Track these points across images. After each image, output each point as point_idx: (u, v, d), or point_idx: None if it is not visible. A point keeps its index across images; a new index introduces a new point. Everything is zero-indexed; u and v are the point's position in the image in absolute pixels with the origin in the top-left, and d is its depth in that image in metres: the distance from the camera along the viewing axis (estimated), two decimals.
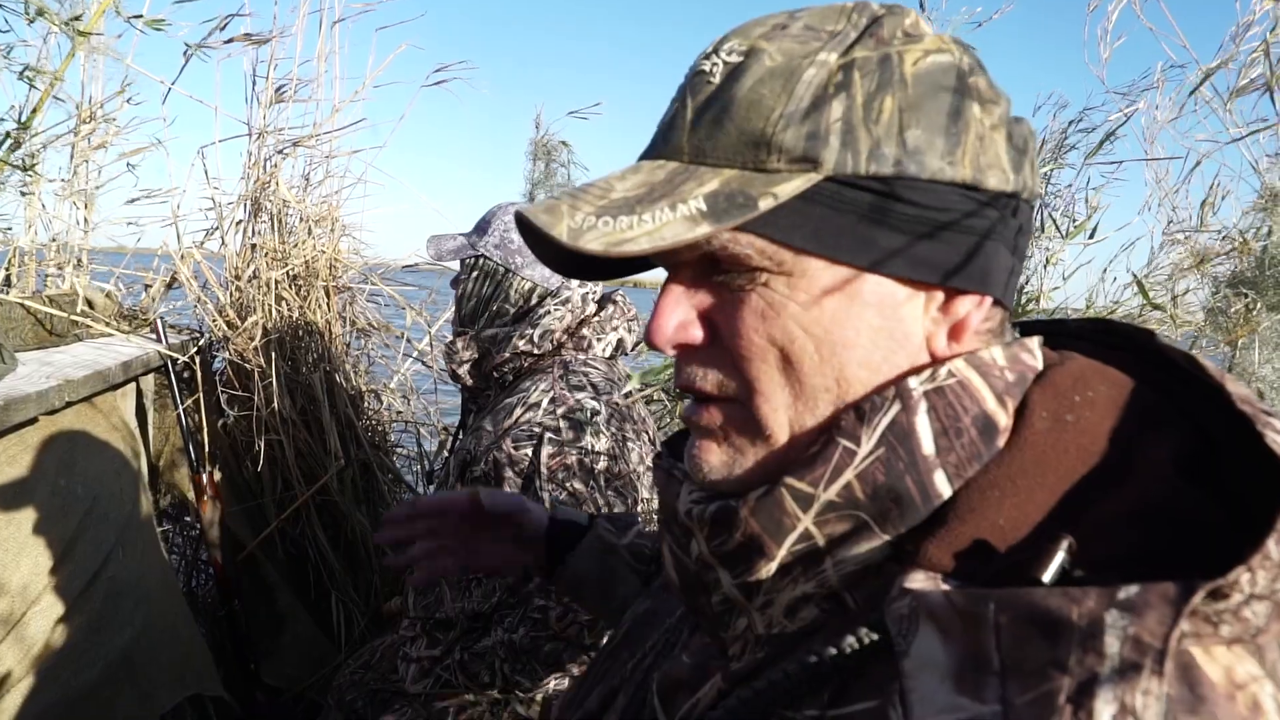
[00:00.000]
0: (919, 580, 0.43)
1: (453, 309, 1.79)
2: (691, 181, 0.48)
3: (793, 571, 0.49)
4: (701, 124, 0.49)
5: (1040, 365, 0.50)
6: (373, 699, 1.65)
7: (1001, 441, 0.47)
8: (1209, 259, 1.44)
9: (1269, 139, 1.34)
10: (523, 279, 1.64)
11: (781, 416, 0.50)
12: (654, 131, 0.54)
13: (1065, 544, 0.40)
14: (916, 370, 0.49)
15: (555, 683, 1.45)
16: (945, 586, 0.42)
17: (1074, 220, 1.53)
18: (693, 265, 0.52)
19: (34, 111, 1.83)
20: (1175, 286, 1.44)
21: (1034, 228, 1.55)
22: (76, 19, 1.77)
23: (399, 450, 2.78)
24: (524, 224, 0.50)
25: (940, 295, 0.50)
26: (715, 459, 0.53)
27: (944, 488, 0.46)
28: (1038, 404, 0.48)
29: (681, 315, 0.52)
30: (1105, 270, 1.51)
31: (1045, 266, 1.50)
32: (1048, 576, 0.40)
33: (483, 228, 1.68)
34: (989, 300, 0.51)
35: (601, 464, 1.46)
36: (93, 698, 1.61)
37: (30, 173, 1.88)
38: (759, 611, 0.51)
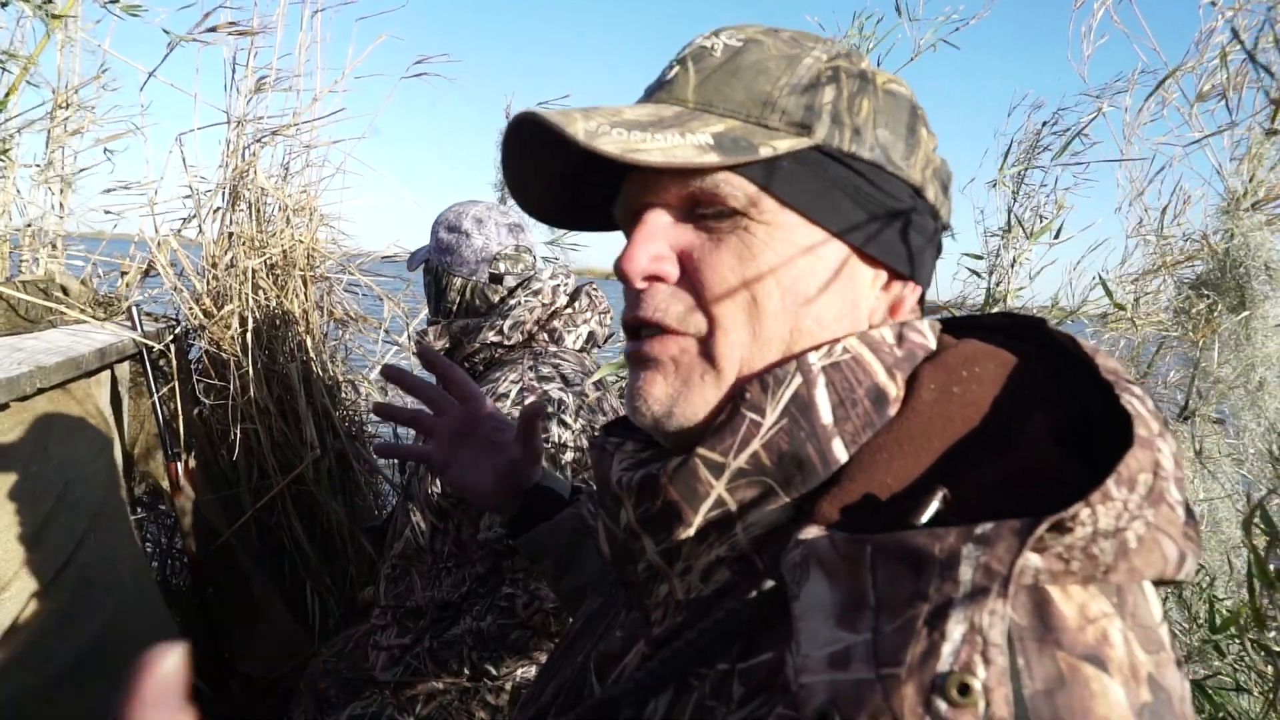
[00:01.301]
0: (811, 532, 0.46)
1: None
2: (697, 121, 0.53)
3: (708, 537, 0.52)
4: (709, 81, 0.55)
5: (933, 345, 0.55)
6: (345, 687, 1.66)
7: (893, 411, 0.51)
8: (1175, 261, 1.46)
9: (1238, 143, 1.36)
10: (452, 275, 1.68)
11: (735, 354, 0.53)
12: (648, 88, 0.59)
13: (940, 495, 0.44)
14: (816, 347, 0.53)
15: (522, 671, 1.47)
16: (833, 536, 0.45)
17: (1041, 219, 1.55)
18: (673, 205, 0.56)
19: (7, 95, 1.82)
20: (1142, 287, 1.47)
21: (1000, 230, 1.57)
22: (50, 2, 1.76)
23: (375, 441, 2.77)
24: (523, 131, 0.53)
25: (885, 275, 0.57)
26: (660, 391, 0.55)
27: (841, 453, 0.50)
28: (927, 378, 0.52)
29: (657, 249, 0.55)
30: (1074, 269, 1.53)
31: (1012, 266, 1.52)
32: (922, 522, 0.43)
33: (433, 230, 1.74)
34: (919, 289, 0.59)
35: (569, 455, 1.48)
36: (65, 683, 1.60)
37: (4, 157, 1.87)
38: (679, 578, 0.54)
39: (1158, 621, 0.44)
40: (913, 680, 0.37)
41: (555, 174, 0.61)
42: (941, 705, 0.36)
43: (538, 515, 0.94)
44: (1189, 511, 0.44)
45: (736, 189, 0.53)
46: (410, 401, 2.83)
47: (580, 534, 0.94)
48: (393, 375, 0.96)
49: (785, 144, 0.53)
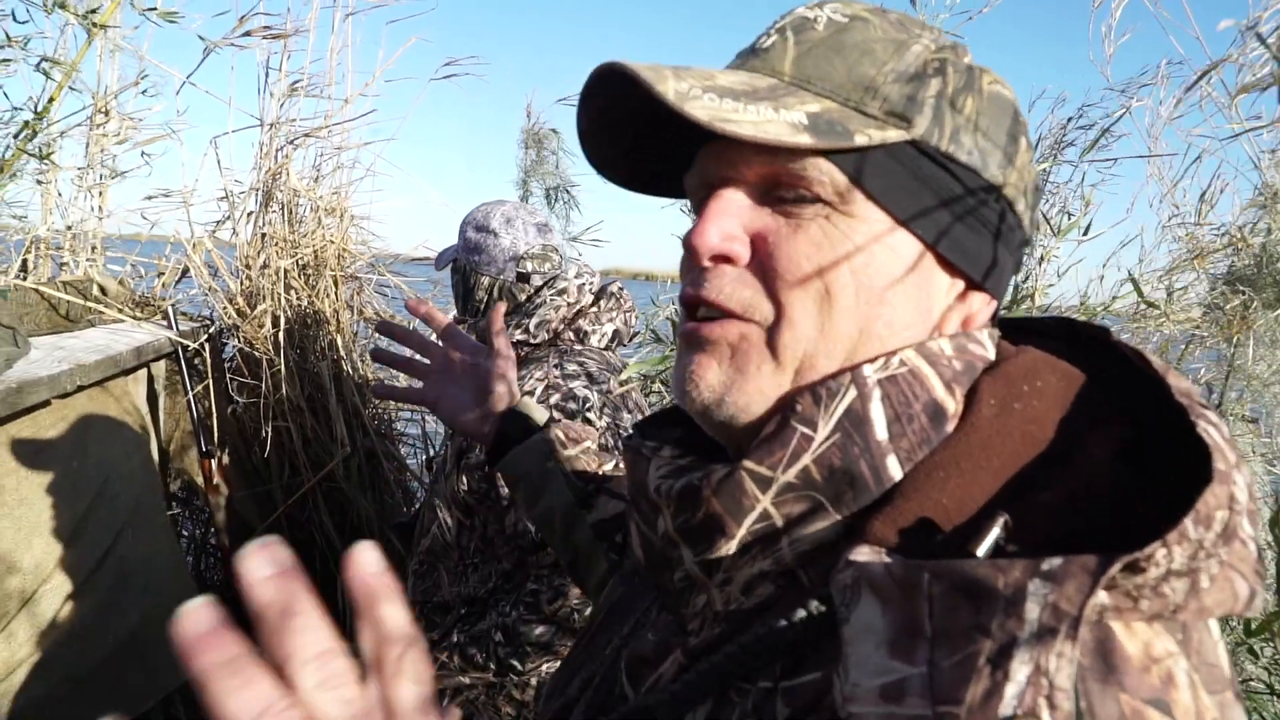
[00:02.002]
0: (864, 554, 0.44)
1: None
2: (793, 98, 0.50)
3: (751, 550, 0.50)
4: (810, 56, 0.51)
5: (992, 356, 0.52)
6: None
7: (950, 427, 0.49)
8: (1206, 255, 1.44)
9: (1272, 135, 1.34)
10: (479, 274, 1.69)
11: (799, 347, 0.50)
12: (740, 53, 0.56)
13: (1001, 521, 0.42)
14: (871, 359, 0.50)
15: (548, 666, 1.48)
16: (887, 559, 0.44)
17: (1069, 216, 1.53)
18: (752, 183, 0.52)
19: (50, 101, 1.87)
20: (1172, 283, 1.44)
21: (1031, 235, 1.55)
22: (93, 11, 1.80)
23: (404, 439, 2.80)
24: (608, 84, 0.50)
25: (961, 285, 0.54)
26: (713, 377, 0.52)
27: (896, 471, 0.48)
28: (987, 392, 0.49)
29: (731, 227, 0.52)
30: (1103, 266, 1.51)
31: (1040, 264, 1.50)
32: (982, 550, 0.41)
33: (461, 230, 1.76)
34: (994, 302, 0.55)
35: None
36: (101, 675, 1.64)
37: (47, 161, 1.92)
38: (718, 589, 0.52)
39: (1221, 656, 0.42)
40: None
41: (627, 135, 0.57)
42: None
43: (513, 441, 0.98)
44: (1259, 546, 0.42)
45: (824, 175, 0.49)
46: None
47: (548, 458, 0.96)
48: (384, 329, 1.07)
49: (882, 134, 0.49)
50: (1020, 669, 0.36)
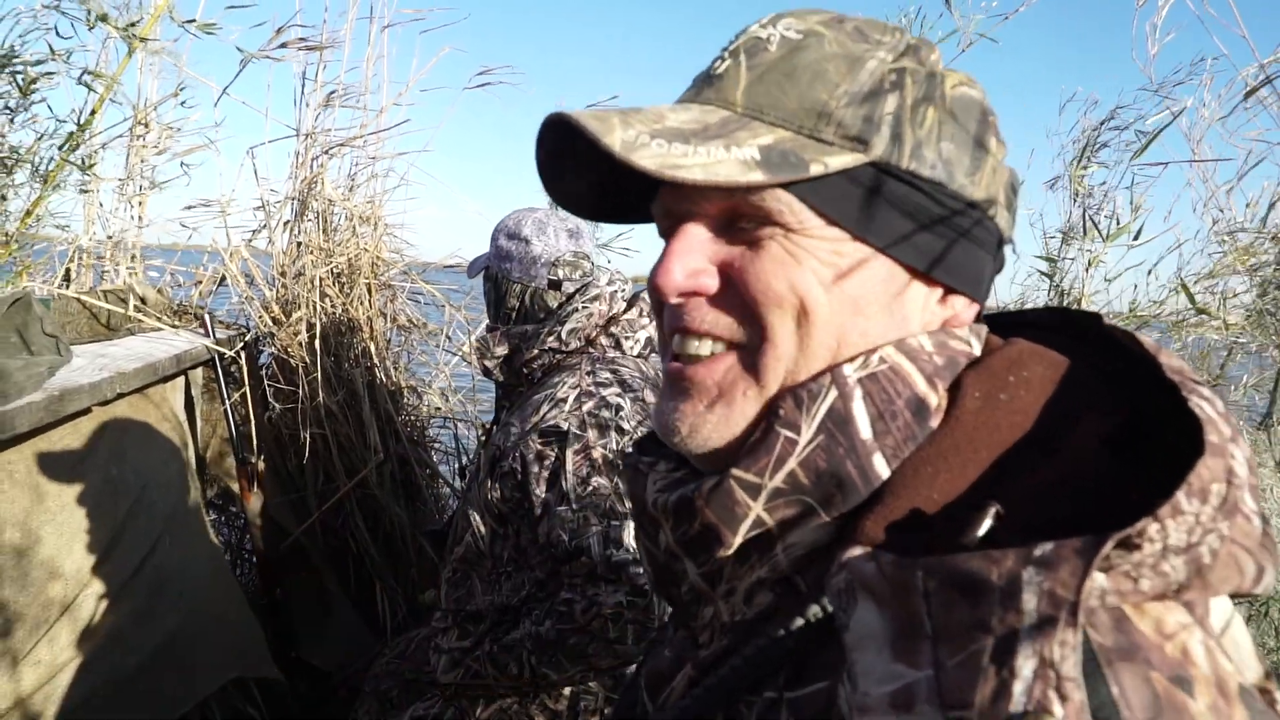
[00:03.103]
0: (856, 554, 0.44)
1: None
2: (745, 131, 0.50)
3: (750, 558, 0.50)
4: (762, 83, 0.51)
5: (976, 351, 0.52)
6: (407, 688, 1.69)
7: (935, 421, 0.49)
8: (1259, 266, 1.40)
9: None
10: (511, 282, 1.69)
11: (781, 368, 0.51)
12: (695, 80, 0.55)
13: (992, 510, 0.42)
14: (851, 359, 0.50)
15: (581, 677, 1.47)
16: (880, 558, 0.43)
17: (1117, 221, 1.50)
18: (709, 217, 0.53)
19: (92, 113, 1.90)
20: (1219, 287, 1.41)
21: (1072, 231, 1.53)
22: (134, 24, 1.83)
23: (436, 446, 2.82)
24: (557, 133, 0.51)
25: (940, 290, 0.54)
26: (699, 421, 0.52)
27: (883, 469, 0.48)
28: (971, 385, 0.49)
29: (695, 263, 0.52)
30: (1150, 274, 1.48)
31: (1087, 270, 1.47)
32: (975, 539, 0.41)
33: (493, 237, 1.76)
34: (977, 305, 0.55)
35: None
36: (139, 680, 1.66)
37: (89, 172, 1.96)
38: (723, 600, 0.52)
39: (1236, 632, 0.41)
40: None
41: (590, 171, 0.57)
42: None
43: None
44: (1264, 521, 0.41)
45: (782, 204, 0.50)
46: (472, 409, 2.87)
47: None
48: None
49: (839, 160, 0.49)
50: (1025, 664, 0.35)
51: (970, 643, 0.37)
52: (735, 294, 0.52)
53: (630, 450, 0.63)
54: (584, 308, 1.63)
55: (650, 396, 1.60)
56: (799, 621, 0.46)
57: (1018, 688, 0.35)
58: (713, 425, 0.52)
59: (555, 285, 1.68)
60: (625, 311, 1.68)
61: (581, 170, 0.57)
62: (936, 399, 0.49)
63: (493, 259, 1.74)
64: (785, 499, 0.48)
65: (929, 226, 0.51)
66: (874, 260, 0.51)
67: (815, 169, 0.48)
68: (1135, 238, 1.43)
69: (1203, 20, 1.36)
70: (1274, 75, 1.25)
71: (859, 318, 0.50)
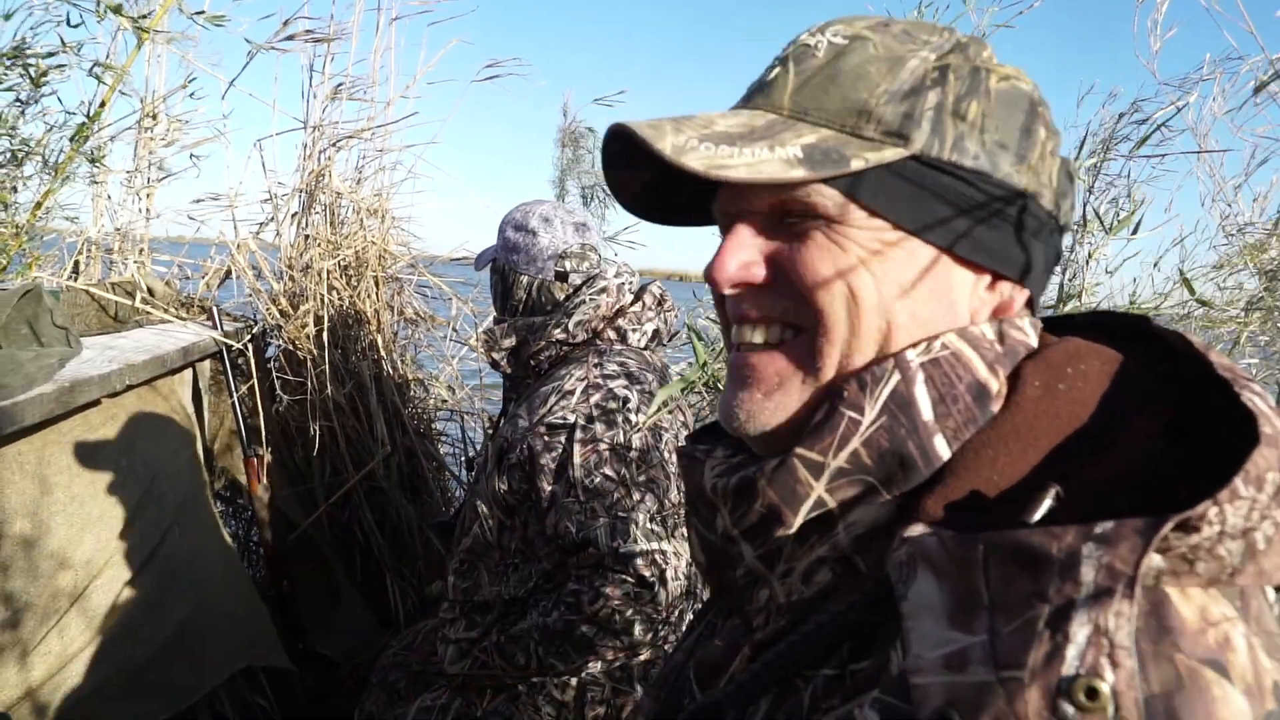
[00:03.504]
0: (918, 531, 0.45)
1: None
2: (790, 132, 0.53)
3: (809, 538, 0.52)
4: (807, 86, 0.54)
5: (1034, 343, 0.54)
6: (414, 679, 1.70)
7: (996, 407, 0.50)
8: (1261, 251, 1.40)
9: None
10: (519, 274, 1.69)
11: (836, 354, 0.53)
12: (749, 89, 0.59)
13: (1053, 491, 0.43)
14: (914, 344, 0.52)
15: (588, 667, 1.48)
16: (941, 534, 0.44)
17: (1120, 214, 1.50)
18: (760, 214, 0.56)
19: (102, 105, 1.91)
20: (1222, 280, 1.41)
21: (1074, 227, 1.52)
22: (144, 16, 1.84)
23: (443, 439, 2.83)
24: (618, 140, 0.54)
25: (988, 276, 0.55)
26: (759, 408, 0.55)
27: (944, 450, 0.49)
28: (1031, 374, 0.51)
29: (746, 255, 0.55)
30: (1154, 266, 1.47)
31: (1088, 261, 1.47)
32: (1035, 519, 0.42)
33: (500, 230, 1.76)
34: (1026, 291, 0.56)
35: (634, 451, 1.48)
36: (150, 671, 1.67)
37: (98, 164, 1.96)
38: (779, 580, 0.53)
39: None
40: (1037, 683, 0.36)
41: (647, 174, 0.61)
42: (1069, 709, 0.35)
43: None
44: None
45: (827, 198, 0.52)
46: (479, 401, 2.87)
47: None
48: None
49: (880, 155, 0.52)
50: (1080, 630, 0.37)
51: (1027, 610, 0.38)
52: (786, 282, 0.54)
53: (686, 441, 0.65)
54: (591, 300, 1.63)
55: (657, 388, 1.60)
56: (861, 599, 0.47)
57: (1071, 652, 0.36)
58: (770, 411, 0.55)
59: (562, 277, 1.69)
60: (632, 304, 1.68)
61: (639, 173, 0.60)
62: (997, 385, 0.51)
63: (500, 251, 1.74)
64: (848, 479, 0.50)
65: (970, 212, 0.53)
66: (916, 246, 0.53)
67: (856, 164, 0.51)
68: (1134, 231, 1.43)
69: (1212, 16, 1.35)
70: None
71: (907, 300, 0.52)
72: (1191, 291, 1.39)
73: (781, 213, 0.55)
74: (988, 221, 0.54)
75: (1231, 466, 0.40)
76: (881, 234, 0.53)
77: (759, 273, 0.55)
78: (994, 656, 0.38)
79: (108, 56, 2.02)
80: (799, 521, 0.51)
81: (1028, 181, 0.54)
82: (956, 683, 0.38)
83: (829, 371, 0.53)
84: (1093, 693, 0.35)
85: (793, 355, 0.54)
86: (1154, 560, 0.39)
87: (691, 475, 0.59)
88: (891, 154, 0.52)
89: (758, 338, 0.56)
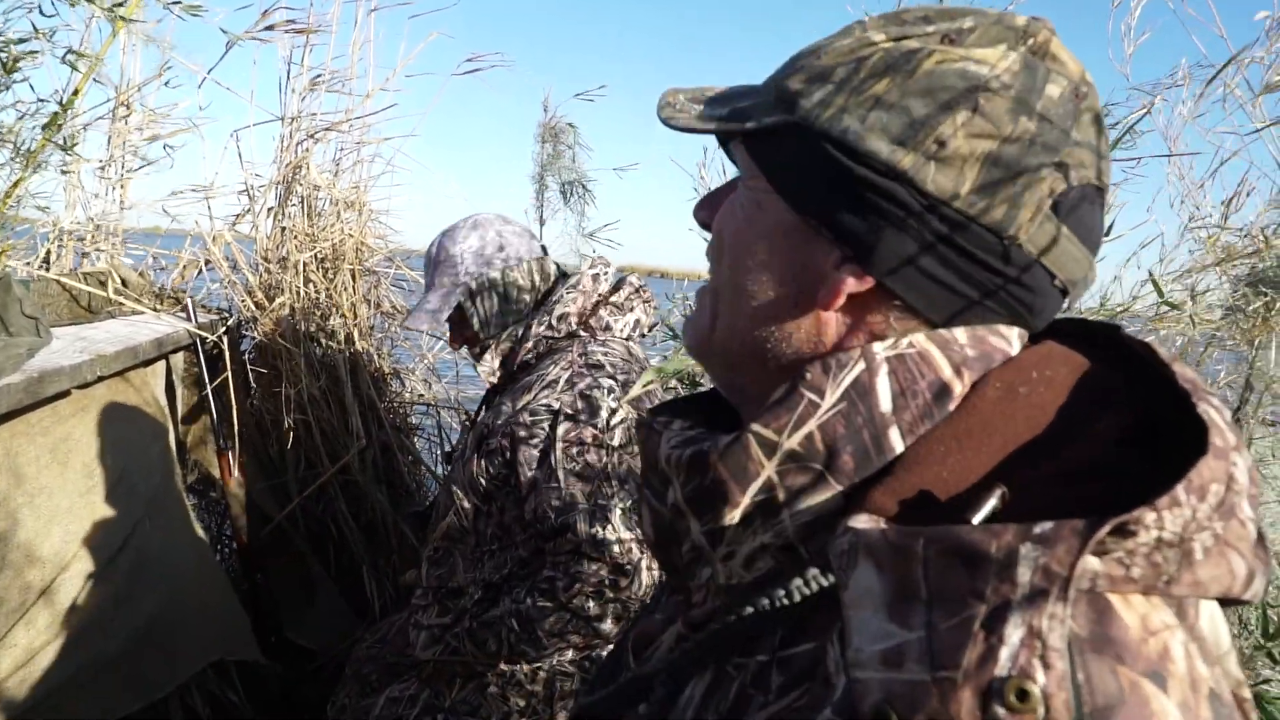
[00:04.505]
0: (862, 521, 0.45)
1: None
2: (755, 107, 0.57)
3: (754, 522, 0.51)
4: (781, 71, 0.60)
5: (1014, 351, 0.52)
6: (387, 671, 1.70)
7: (953, 406, 0.50)
8: (1231, 257, 1.42)
9: None
10: (517, 262, 1.68)
11: (710, 296, 0.60)
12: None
13: (998, 492, 0.43)
14: (878, 336, 0.52)
15: (558, 657, 1.48)
16: (885, 526, 0.45)
17: None
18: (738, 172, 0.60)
19: (75, 93, 1.89)
20: (1194, 284, 1.43)
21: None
22: (119, 4, 1.82)
23: (420, 432, 2.82)
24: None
25: (837, 254, 0.52)
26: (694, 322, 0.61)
27: (897, 443, 0.49)
28: (994, 377, 0.51)
29: (714, 202, 0.61)
30: (1124, 265, 1.50)
31: None
32: (977, 519, 0.43)
33: (446, 264, 1.69)
34: (868, 280, 0.51)
35: (617, 439, 1.49)
36: (119, 663, 1.66)
37: (70, 153, 1.94)
38: (721, 562, 0.53)
39: (1221, 634, 0.43)
40: (969, 684, 0.37)
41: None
42: (1000, 711, 0.36)
43: None
44: (1259, 531, 0.43)
45: (740, 154, 0.57)
46: (455, 394, 2.87)
47: None
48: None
49: (770, 119, 0.55)
50: (1014, 631, 0.37)
51: (964, 609, 0.39)
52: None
53: (644, 415, 0.65)
54: (569, 292, 1.64)
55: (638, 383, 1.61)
56: (799, 584, 0.47)
57: (1004, 653, 0.37)
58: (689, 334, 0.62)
59: (544, 250, 1.70)
60: (612, 294, 1.69)
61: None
62: (960, 387, 0.50)
63: (469, 273, 1.67)
64: (799, 464, 0.50)
65: (833, 183, 0.51)
66: (784, 214, 0.54)
67: (750, 125, 0.55)
68: (1107, 233, 1.45)
69: (1181, 20, 1.38)
70: (1242, 58, 1.27)
71: (750, 260, 0.56)
72: (1160, 294, 1.41)
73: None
74: (845, 200, 0.51)
75: (1178, 474, 0.40)
76: (760, 194, 0.55)
77: (707, 219, 0.61)
78: (930, 655, 0.38)
79: (82, 44, 2.00)
80: (745, 501, 0.51)
81: (909, 161, 0.49)
82: (893, 679, 0.39)
83: (708, 311, 0.59)
84: (1023, 694, 0.36)
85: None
86: (1090, 563, 0.39)
87: (649, 445, 0.59)
88: (777, 119, 0.54)
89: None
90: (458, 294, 1.67)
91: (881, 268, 0.51)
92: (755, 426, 0.51)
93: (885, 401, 0.49)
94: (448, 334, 1.77)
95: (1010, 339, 0.53)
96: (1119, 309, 1.43)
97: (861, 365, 0.50)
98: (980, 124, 0.49)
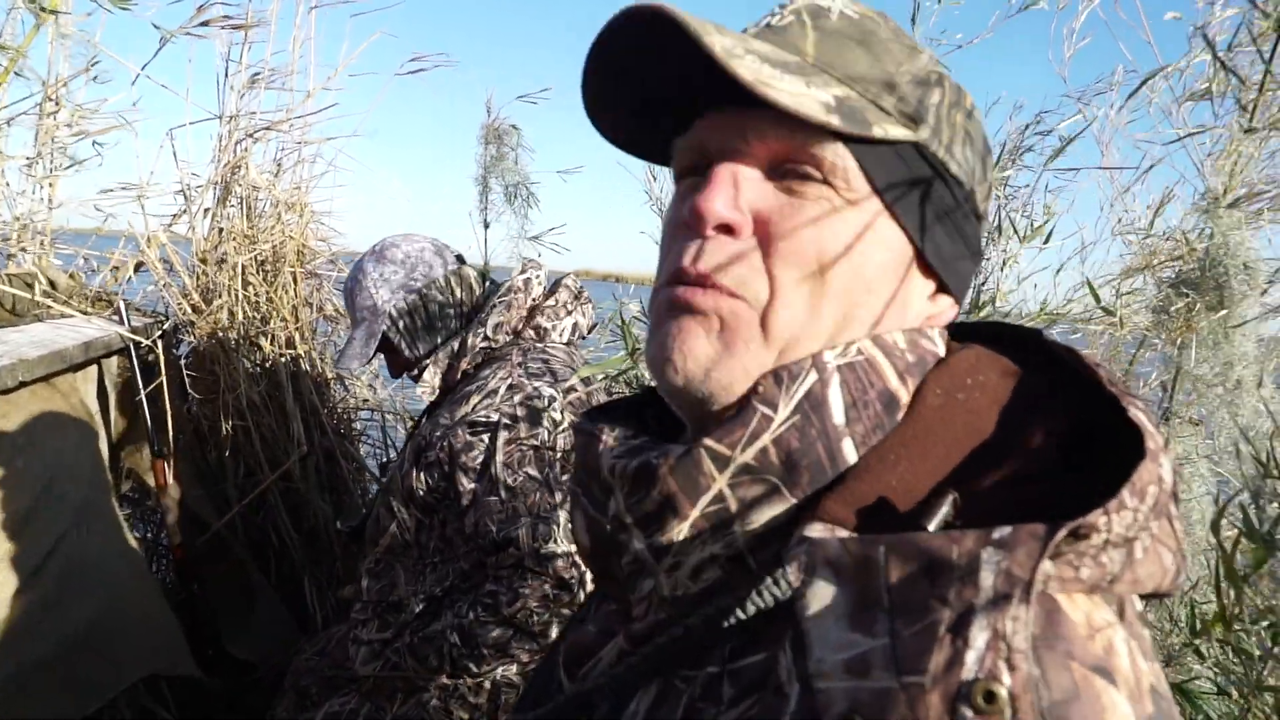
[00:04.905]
0: (817, 530, 0.45)
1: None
2: (818, 78, 0.50)
3: (703, 534, 0.50)
4: (831, 40, 0.52)
5: (942, 352, 0.54)
6: (326, 684, 1.66)
7: (900, 415, 0.50)
8: (1160, 263, 1.46)
9: (1217, 140, 1.36)
10: (431, 280, 1.65)
11: (788, 331, 0.50)
12: (750, 28, 0.55)
13: (950, 499, 0.44)
14: (831, 345, 0.51)
15: (503, 670, 1.46)
16: (841, 535, 0.45)
17: (1032, 223, 1.55)
18: (756, 158, 0.52)
19: None
20: (1122, 287, 1.47)
21: (991, 232, 1.58)
22: None
23: (364, 439, 2.77)
24: (635, 28, 0.48)
25: (933, 286, 0.56)
26: (701, 349, 0.50)
27: (851, 455, 0.49)
28: (933, 382, 0.51)
29: (736, 197, 0.51)
30: (1058, 273, 1.53)
31: (1002, 268, 1.52)
32: (933, 525, 0.43)
33: (363, 297, 1.67)
34: (957, 308, 0.58)
35: (557, 450, 1.48)
36: (49, 669, 1.61)
37: None
38: (666, 574, 0.52)
39: (1145, 632, 0.44)
40: (937, 689, 0.37)
41: (635, 89, 0.55)
42: (967, 713, 0.36)
43: None
44: (1182, 526, 0.45)
45: (839, 160, 0.50)
46: (400, 400, 2.82)
47: None
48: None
49: (897, 131, 0.51)
50: (979, 635, 0.37)
51: (927, 615, 0.39)
52: (761, 245, 0.51)
53: (585, 418, 0.61)
54: (501, 300, 1.62)
55: (580, 386, 1.60)
56: (758, 600, 0.46)
57: (970, 657, 0.37)
58: (713, 360, 0.50)
59: (460, 259, 1.69)
60: (547, 298, 1.68)
61: (633, 84, 0.54)
62: (906, 395, 0.50)
63: (386, 301, 1.65)
64: (751, 477, 0.49)
65: (945, 219, 0.54)
66: (896, 238, 0.53)
67: (877, 131, 0.50)
68: (1046, 240, 1.48)
69: (1110, 27, 1.41)
70: (1165, 75, 1.31)
71: (869, 296, 0.52)
72: (1097, 299, 1.44)
73: (782, 163, 0.51)
74: (950, 230, 0.54)
75: (1118, 478, 0.41)
76: (871, 217, 0.51)
77: (742, 220, 0.51)
78: (895, 661, 0.39)
79: (1, 36, 1.93)
80: (695, 514, 0.49)
81: (980, 202, 0.56)
82: (859, 687, 0.39)
83: (778, 344, 0.50)
84: (990, 696, 0.36)
85: (743, 310, 0.50)
86: (1046, 565, 0.40)
87: (588, 453, 0.56)
88: (903, 133, 0.51)
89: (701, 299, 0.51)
90: (380, 326, 1.65)
91: (964, 293, 0.58)
92: (708, 441, 0.49)
93: (839, 414, 0.49)
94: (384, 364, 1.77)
95: (935, 339, 0.54)
96: (1058, 313, 1.46)
97: (814, 376, 0.50)
98: (992, 169, 0.59)
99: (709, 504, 0.49)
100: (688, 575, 0.51)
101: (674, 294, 0.52)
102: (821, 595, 0.42)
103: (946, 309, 0.56)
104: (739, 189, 0.51)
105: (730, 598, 0.47)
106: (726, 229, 0.51)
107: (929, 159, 0.53)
